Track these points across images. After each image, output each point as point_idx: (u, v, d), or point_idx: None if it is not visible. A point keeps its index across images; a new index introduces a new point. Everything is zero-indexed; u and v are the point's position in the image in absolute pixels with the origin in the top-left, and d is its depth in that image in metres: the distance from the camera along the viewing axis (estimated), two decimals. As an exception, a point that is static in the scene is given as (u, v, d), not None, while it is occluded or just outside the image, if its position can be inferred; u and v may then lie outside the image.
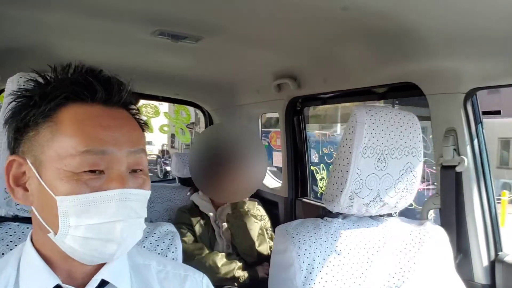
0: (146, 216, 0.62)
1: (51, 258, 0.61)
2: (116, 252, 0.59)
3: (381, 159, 1.05)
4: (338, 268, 1.01)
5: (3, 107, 0.74)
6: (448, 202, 1.28)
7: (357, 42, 1.34)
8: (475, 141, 1.26)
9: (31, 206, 0.61)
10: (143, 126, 0.66)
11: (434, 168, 1.35)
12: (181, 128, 5.09)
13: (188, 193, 2.15)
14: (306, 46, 1.50)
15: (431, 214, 1.37)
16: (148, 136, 0.85)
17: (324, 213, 1.11)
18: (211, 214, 1.87)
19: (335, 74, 1.65)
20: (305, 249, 0.99)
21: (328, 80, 1.69)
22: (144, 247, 0.86)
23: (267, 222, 1.97)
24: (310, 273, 0.98)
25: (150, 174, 0.67)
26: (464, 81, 1.21)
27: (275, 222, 2.04)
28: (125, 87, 0.63)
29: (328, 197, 1.07)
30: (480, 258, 1.24)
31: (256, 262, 1.79)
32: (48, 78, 0.61)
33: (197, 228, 1.83)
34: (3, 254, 0.75)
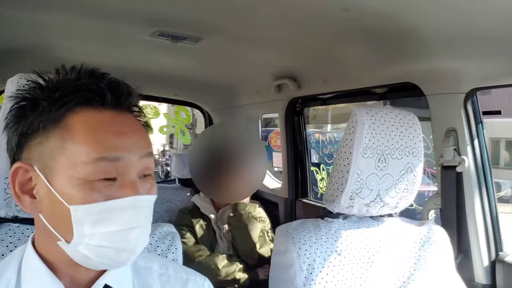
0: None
1: (55, 263, 0.60)
2: (129, 259, 0.60)
3: (381, 159, 1.05)
4: (338, 269, 1.01)
5: (3, 108, 0.73)
6: (448, 202, 1.28)
7: (357, 42, 1.34)
8: (476, 141, 1.26)
9: (39, 214, 0.59)
10: (147, 128, 0.66)
11: (435, 168, 1.35)
12: (181, 129, 5.08)
13: (188, 194, 2.15)
14: (306, 46, 1.50)
15: (432, 214, 1.37)
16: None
17: (324, 214, 1.11)
18: (212, 216, 1.87)
19: (335, 74, 1.65)
20: (306, 250, 0.99)
21: (328, 81, 1.69)
22: (144, 248, 0.86)
23: (267, 225, 1.97)
24: (311, 273, 0.98)
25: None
26: (464, 81, 1.21)
27: (275, 222, 2.04)
28: (133, 92, 0.62)
29: (329, 198, 1.07)
30: (481, 258, 1.24)
31: (257, 264, 1.79)
32: (47, 79, 0.60)
33: (198, 230, 1.82)
34: (3, 255, 0.75)
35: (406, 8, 1.02)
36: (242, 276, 1.73)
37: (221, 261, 1.71)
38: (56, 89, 0.58)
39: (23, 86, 0.61)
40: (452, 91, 1.24)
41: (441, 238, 1.15)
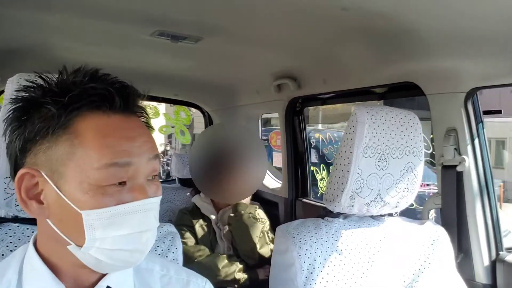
0: None
1: (58, 265, 0.60)
2: (140, 259, 0.60)
3: (382, 159, 1.05)
4: (339, 268, 1.01)
5: (3, 108, 0.73)
6: (449, 202, 1.28)
7: (357, 42, 1.34)
8: (476, 141, 1.26)
9: (47, 219, 0.59)
10: (149, 128, 0.66)
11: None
12: (181, 129, 5.08)
13: (188, 194, 2.14)
14: (306, 46, 1.50)
15: (432, 213, 1.36)
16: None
17: (325, 213, 1.11)
18: (212, 216, 1.87)
19: (335, 74, 1.65)
20: (306, 249, 0.99)
21: (328, 80, 1.68)
22: None
23: (267, 226, 1.97)
24: (311, 273, 0.97)
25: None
26: (465, 81, 1.21)
27: (275, 222, 2.03)
28: (141, 96, 0.62)
29: (329, 197, 1.07)
30: (481, 257, 1.24)
31: (257, 264, 1.79)
32: (48, 79, 0.59)
33: (198, 230, 1.82)
34: (3, 255, 0.75)
35: (406, 8, 1.02)
36: (242, 276, 1.73)
37: (221, 261, 1.71)
38: (63, 93, 0.57)
39: (23, 87, 0.60)
40: (452, 90, 1.24)
41: (441, 237, 1.15)
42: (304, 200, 2.14)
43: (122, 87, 0.60)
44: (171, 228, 0.92)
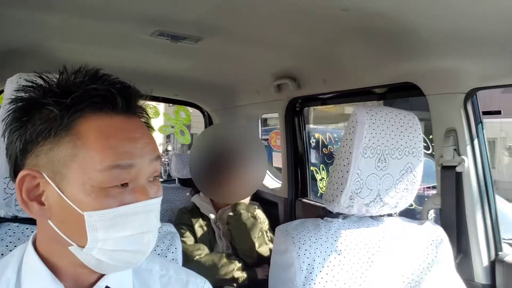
0: None
1: (58, 265, 0.60)
2: (142, 260, 0.60)
3: (381, 159, 1.05)
4: (338, 268, 1.01)
5: (2, 108, 0.72)
6: (448, 202, 1.28)
7: (357, 42, 1.34)
8: (475, 141, 1.26)
9: (48, 220, 0.58)
10: (150, 128, 0.66)
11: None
12: (181, 129, 5.08)
13: (188, 194, 2.15)
14: (306, 46, 1.50)
15: (431, 214, 1.37)
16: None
17: (324, 213, 1.11)
18: (212, 216, 1.87)
19: (335, 74, 1.65)
20: (305, 249, 0.99)
21: (328, 81, 1.69)
22: None
23: (265, 226, 1.98)
24: (310, 273, 0.98)
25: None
26: (464, 81, 1.21)
27: (275, 222, 2.03)
28: (142, 96, 0.62)
29: (328, 197, 1.07)
30: (480, 258, 1.24)
31: (256, 263, 1.79)
32: (48, 80, 0.58)
33: (197, 229, 1.83)
34: (2, 254, 0.75)
35: (406, 8, 1.02)
36: (240, 275, 1.73)
37: (220, 260, 1.72)
38: (64, 94, 0.56)
39: (23, 87, 0.59)
40: (452, 91, 1.24)
41: (440, 238, 1.15)
42: (304, 200, 2.14)
43: (124, 87, 0.60)
44: (171, 228, 0.92)
